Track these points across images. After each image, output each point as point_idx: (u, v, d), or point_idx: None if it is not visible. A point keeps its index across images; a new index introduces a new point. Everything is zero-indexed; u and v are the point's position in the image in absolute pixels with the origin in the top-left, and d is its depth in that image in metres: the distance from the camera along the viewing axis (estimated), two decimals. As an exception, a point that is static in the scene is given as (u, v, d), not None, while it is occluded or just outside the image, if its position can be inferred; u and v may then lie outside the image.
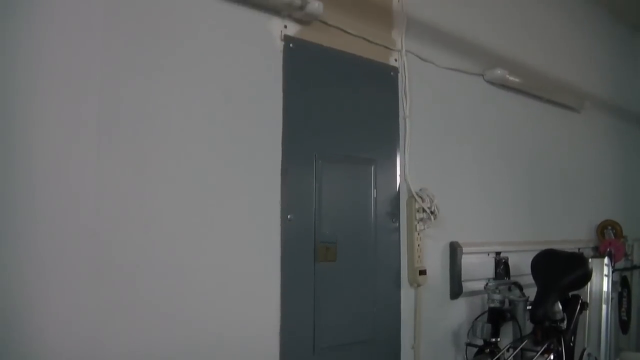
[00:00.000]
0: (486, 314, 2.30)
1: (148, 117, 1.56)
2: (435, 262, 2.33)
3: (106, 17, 1.50)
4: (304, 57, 1.93)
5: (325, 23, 1.99)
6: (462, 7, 2.56)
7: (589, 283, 2.63)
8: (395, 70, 2.22)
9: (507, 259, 2.57)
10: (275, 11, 1.84)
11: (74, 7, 1.45)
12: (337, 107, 2.02)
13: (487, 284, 2.38)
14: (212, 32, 1.71)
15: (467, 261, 2.40)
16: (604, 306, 2.86)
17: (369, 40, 2.13)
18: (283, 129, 1.85)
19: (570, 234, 3.16)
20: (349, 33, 2.06)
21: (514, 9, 2.86)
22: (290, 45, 1.88)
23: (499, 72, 2.59)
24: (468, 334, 2.33)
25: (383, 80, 2.19)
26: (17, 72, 1.36)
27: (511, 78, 2.64)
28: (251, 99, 1.79)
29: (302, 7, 1.83)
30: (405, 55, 2.25)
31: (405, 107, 2.22)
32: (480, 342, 2.29)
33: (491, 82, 2.64)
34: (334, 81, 2.02)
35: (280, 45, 1.86)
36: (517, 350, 2.17)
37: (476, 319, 2.31)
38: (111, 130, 1.49)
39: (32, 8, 1.38)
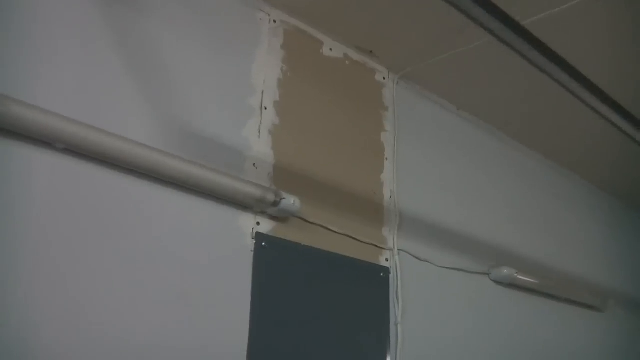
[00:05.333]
0: None
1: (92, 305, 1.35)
2: None
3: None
4: (279, 257, 1.73)
5: (305, 220, 1.82)
6: (462, 202, 2.41)
7: None
8: (386, 271, 2.01)
9: None
10: (246, 207, 1.69)
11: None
12: (316, 314, 1.78)
13: None
14: (173, 226, 1.55)
15: None
16: None
17: (355, 239, 1.94)
18: (249, 340, 1.59)
19: None
20: (332, 231, 1.88)
21: (519, 202, 2.70)
22: (263, 244, 1.70)
23: (505, 271, 2.36)
24: None
25: (372, 282, 1.97)
26: None
27: (520, 277, 2.39)
28: (213, 304, 1.57)
29: (275, 204, 1.67)
30: (397, 255, 2.05)
31: (398, 312, 1.97)
32: None
33: (498, 282, 2.39)
34: (313, 284, 1.80)
35: (250, 244, 1.68)
36: None
37: None
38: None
39: None
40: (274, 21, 1.97)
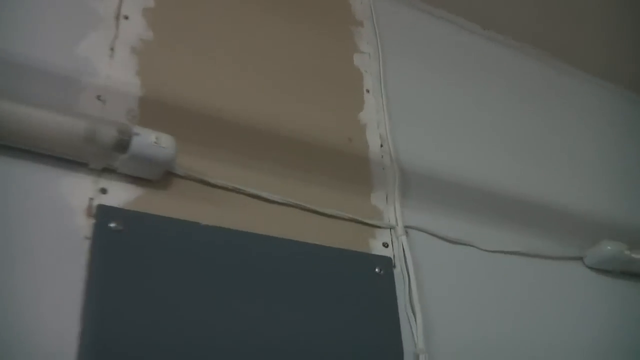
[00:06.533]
0: None
1: None
2: None
3: None
4: (152, 254, 0.92)
5: (210, 184, 1.02)
6: (501, 150, 1.53)
7: None
8: (387, 263, 1.14)
9: None
10: (77, 162, 0.91)
11: None
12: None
13: None
14: None
15: None
16: None
17: (322, 213, 1.11)
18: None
19: None
20: (269, 201, 1.06)
21: (586, 144, 1.77)
22: (112, 225, 0.89)
23: (609, 247, 1.41)
24: None
25: (363, 286, 1.10)
26: None
27: (635, 256, 1.44)
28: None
29: (121, 145, 0.88)
30: (405, 235, 1.18)
31: (417, 333, 1.08)
32: None
33: (600, 269, 1.45)
34: (246, 305, 0.96)
35: (84, 226, 0.88)
36: None
37: None
38: None
39: None
40: None
